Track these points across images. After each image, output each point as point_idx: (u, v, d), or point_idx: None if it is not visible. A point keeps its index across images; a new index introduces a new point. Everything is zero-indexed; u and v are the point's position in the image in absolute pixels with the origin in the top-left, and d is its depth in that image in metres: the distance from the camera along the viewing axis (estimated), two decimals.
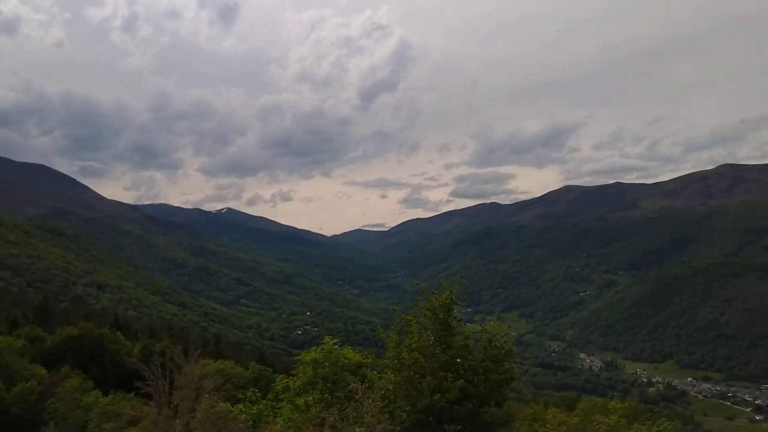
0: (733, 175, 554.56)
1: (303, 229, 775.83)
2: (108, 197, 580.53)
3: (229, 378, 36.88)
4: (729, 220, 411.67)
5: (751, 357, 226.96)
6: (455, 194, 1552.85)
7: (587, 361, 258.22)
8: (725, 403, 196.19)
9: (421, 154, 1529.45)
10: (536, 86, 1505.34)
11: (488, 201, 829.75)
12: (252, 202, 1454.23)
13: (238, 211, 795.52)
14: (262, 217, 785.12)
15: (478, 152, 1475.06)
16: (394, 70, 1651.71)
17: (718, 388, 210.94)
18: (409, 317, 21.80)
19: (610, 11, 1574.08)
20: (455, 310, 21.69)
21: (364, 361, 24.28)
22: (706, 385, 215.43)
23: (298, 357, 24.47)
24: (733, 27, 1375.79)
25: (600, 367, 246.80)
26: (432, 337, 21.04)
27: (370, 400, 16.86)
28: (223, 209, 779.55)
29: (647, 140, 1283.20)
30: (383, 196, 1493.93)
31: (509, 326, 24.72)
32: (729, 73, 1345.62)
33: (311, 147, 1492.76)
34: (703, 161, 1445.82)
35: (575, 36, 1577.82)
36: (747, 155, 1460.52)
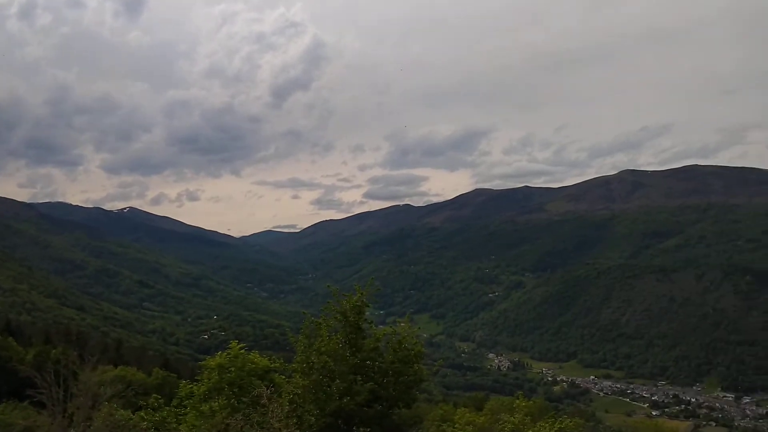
0: (633, 180, 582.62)
1: (210, 230, 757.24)
2: None
3: (130, 384, 35.38)
4: (629, 223, 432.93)
5: (649, 355, 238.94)
6: (369, 196, 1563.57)
7: (496, 361, 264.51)
8: (624, 399, 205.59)
9: (334, 155, 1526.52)
10: (450, 90, 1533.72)
11: (401, 203, 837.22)
12: (157, 201, 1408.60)
13: (141, 210, 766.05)
14: (166, 217, 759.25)
15: (392, 154, 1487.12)
16: (308, 68, 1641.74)
17: (619, 386, 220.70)
18: (319, 320, 21.55)
19: (522, 19, 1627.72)
20: (367, 313, 21.58)
21: (272, 365, 23.73)
22: (607, 383, 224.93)
23: (203, 362, 23.69)
24: (637, 39, 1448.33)
25: (508, 366, 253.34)
26: (342, 340, 20.83)
27: (277, 405, 16.45)
28: (125, 208, 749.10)
29: (554, 146, 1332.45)
30: (295, 197, 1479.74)
31: (419, 327, 24.87)
32: (632, 82, 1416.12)
33: (220, 145, 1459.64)
34: (607, 167, 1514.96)
35: (488, 41, 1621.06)
36: (646, 162, 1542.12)
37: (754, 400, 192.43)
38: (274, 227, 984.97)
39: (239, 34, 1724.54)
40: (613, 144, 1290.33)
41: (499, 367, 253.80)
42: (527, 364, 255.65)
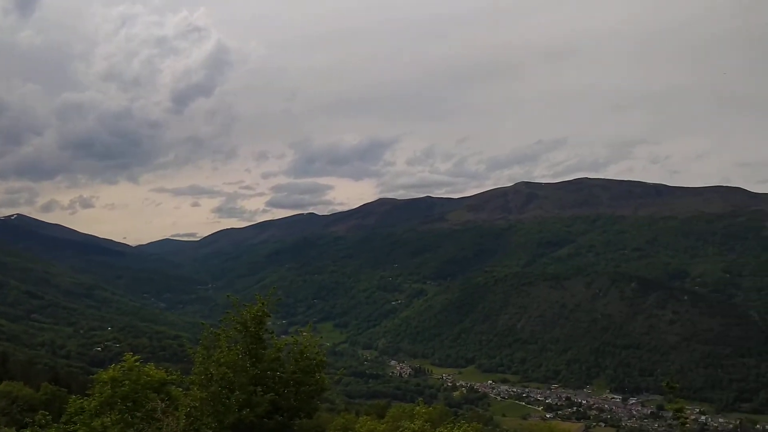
0: (528, 191, 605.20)
1: (105, 238, 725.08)
2: None
3: (15, 401, 33.42)
4: (524, 233, 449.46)
5: (543, 359, 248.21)
6: (272, 204, 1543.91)
7: (398, 368, 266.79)
8: (520, 403, 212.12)
9: (237, 162, 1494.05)
10: (356, 99, 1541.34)
11: (306, 211, 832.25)
12: (47, 208, 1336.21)
13: (30, 217, 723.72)
14: (58, 225, 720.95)
15: (297, 162, 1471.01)
16: (211, 74, 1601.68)
17: (515, 389, 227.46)
18: (218, 331, 21.19)
19: (427, 31, 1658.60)
20: (268, 323, 21.40)
21: (169, 378, 23.01)
22: (504, 387, 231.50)
23: (95, 375, 22.67)
24: (535, 56, 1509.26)
25: (409, 373, 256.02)
26: (242, 351, 20.54)
27: (173, 419, 16.04)
28: (12, 215, 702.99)
29: (456, 157, 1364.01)
30: (195, 205, 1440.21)
31: (322, 337, 24.89)
32: (529, 97, 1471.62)
33: (117, 150, 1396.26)
34: (504, 178, 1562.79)
35: (393, 52, 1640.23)
36: (541, 174, 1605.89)
37: (640, 400, 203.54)
38: (172, 235, 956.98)
39: (139, 37, 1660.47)
40: (510, 156, 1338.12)
41: (400, 374, 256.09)
42: (428, 371, 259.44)
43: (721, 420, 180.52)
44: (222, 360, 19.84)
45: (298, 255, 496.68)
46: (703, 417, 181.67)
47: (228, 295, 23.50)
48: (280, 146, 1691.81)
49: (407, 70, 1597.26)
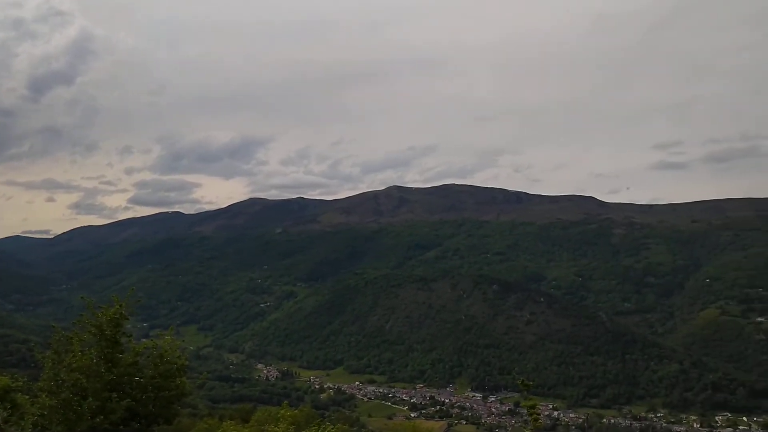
0: (399, 195, 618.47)
1: None
2: None
3: None
4: (395, 236, 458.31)
5: (409, 360, 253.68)
6: (135, 201, 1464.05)
7: (265, 371, 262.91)
8: (386, 403, 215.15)
9: (98, 156, 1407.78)
10: (230, 96, 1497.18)
11: (171, 210, 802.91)
12: None
13: None
14: None
15: (164, 158, 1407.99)
16: (73, 62, 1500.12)
17: (381, 390, 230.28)
18: (71, 334, 20.08)
19: (304, 32, 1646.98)
20: (127, 325, 20.57)
21: (14, 384, 21.54)
22: (371, 388, 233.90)
23: None
24: (409, 64, 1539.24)
25: (276, 376, 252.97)
26: (96, 355, 19.56)
27: (16, 429, 15.01)
28: None
29: (331, 159, 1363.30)
30: (50, 200, 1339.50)
31: (184, 340, 24.23)
32: (403, 104, 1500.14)
33: None
34: (377, 182, 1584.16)
35: (269, 51, 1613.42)
36: (412, 179, 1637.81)
37: (499, 398, 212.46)
38: (23, 232, 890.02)
39: None
40: (384, 161, 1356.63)
41: (267, 377, 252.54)
42: (296, 373, 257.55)
43: (571, 415, 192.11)
44: (74, 365, 18.83)
45: (162, 255, 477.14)
46: (555, 413, 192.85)
47: (82, 297, 22.26)
48: (146, 141, 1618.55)
49: (283, 70, 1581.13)
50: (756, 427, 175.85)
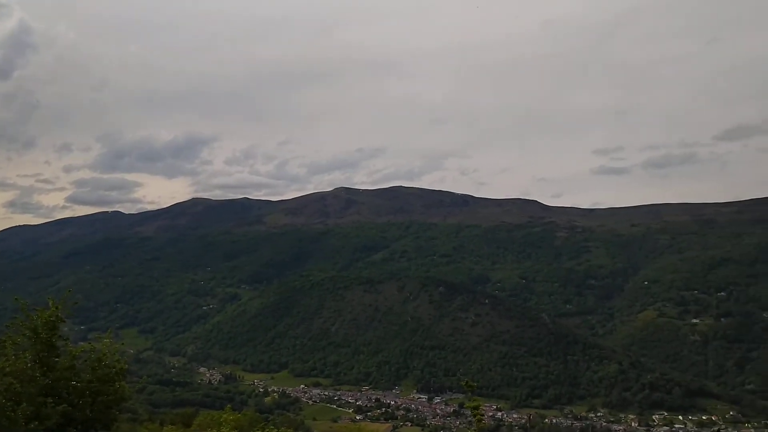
0: (347, 197, 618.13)
1: None
2: None
3: None
4: (342, 237, 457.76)
5: (355, 362, 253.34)
6: (73, 200, 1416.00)
7: (207, 375, 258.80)
8: (332, 406, 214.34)
9: (35, 153, 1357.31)
10: (174, 94, 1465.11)
11: (111, 209, 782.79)
12: None
13: None
14: None
15: (104, 156, 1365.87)
16: (9, 55, 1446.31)
17: (327, 393, 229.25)
18: (4, 338, 19.24)
19: (252, 30, 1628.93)
20: (64, 328, 19.83)
21: None
22: (316, 391, 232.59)
23: None
24: (358, 65, 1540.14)
25: (219, 380, 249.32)
26: (31, 359, 18.78)
27: None
28: None
29: (277, 160, 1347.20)
30: None
31: (123, 343, 23.55)
32: (352, 105, 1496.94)
33: None
34: (324, 183, 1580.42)
35: (216, 48, 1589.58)
36: (360, 181, 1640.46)
37: (444, 399, 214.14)
38: None
39: None
40: (331, 162, 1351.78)
41: (210, 380, 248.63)
42: (239, 377, 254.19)
43: (515, 415, 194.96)
44: (7, 369, 18.01)
45: (100, 256, 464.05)
46: (499, 413, 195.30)
47: (17, 298, 21.31)
48: (86, 138, 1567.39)
49: (229, 68, 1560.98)
50: (691, 425, 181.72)
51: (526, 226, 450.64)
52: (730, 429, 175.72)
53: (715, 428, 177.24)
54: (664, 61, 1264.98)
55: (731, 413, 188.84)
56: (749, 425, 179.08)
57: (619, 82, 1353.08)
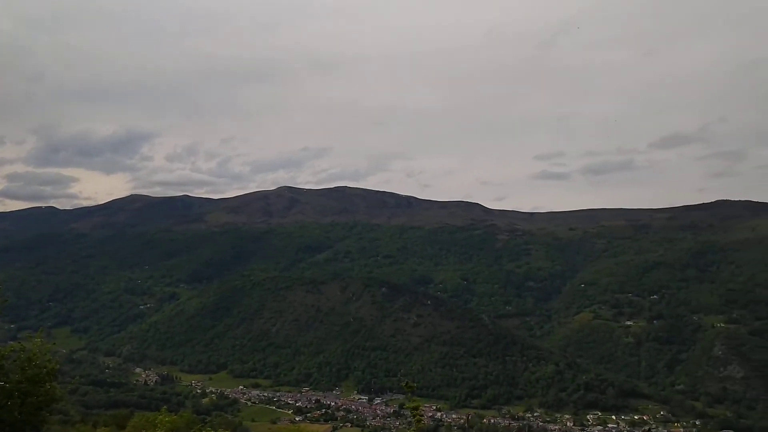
0: (290, 196, 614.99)
1: None
2: None
3: None
4: (285, 237, 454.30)
5: (295, 363, 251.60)
6: (5, 194, 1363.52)
7: (143, 375, 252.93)
8: (271, 407, 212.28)
9: None
10: (114, 87, 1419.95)
11: (45, 204, 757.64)
12: None
13: None
14: None
15: (39, 150, 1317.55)
16: None
17: (266, 394, 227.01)
18: None
19: (198, 25, 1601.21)
20: None
21: None
22: (255, 392, 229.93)
23: None
24: (304, 64, 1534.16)
25: (156, 381, 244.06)
26: None
27: None
28: None
29: (220, 157, 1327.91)
30: None
31: (55, 342, 22.61)
32: (298, 104, 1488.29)
33: None
34: (268, 182, 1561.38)
35: (158, 42, 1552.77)
36: (305, 180, 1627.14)
37: (384, 400, 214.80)
38: None
39: None
40: (276, 161, 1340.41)
41: (146, 381, 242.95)
42: (177, 377, 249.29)
43: (454, 416, 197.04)
44: None
45: (33, 252, 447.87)
46: (439, 413, 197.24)
47: None
48: (20, 131, 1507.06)
49: (172, 63, 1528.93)
50: (624, 424, 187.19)
51: (468, 228, 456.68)
52: (660, 428, 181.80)
53: (646, 428, 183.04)
54: (603, 71, 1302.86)
55: (662, 413, 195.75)
56: (678, 425, 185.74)
57: (561, 90, 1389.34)
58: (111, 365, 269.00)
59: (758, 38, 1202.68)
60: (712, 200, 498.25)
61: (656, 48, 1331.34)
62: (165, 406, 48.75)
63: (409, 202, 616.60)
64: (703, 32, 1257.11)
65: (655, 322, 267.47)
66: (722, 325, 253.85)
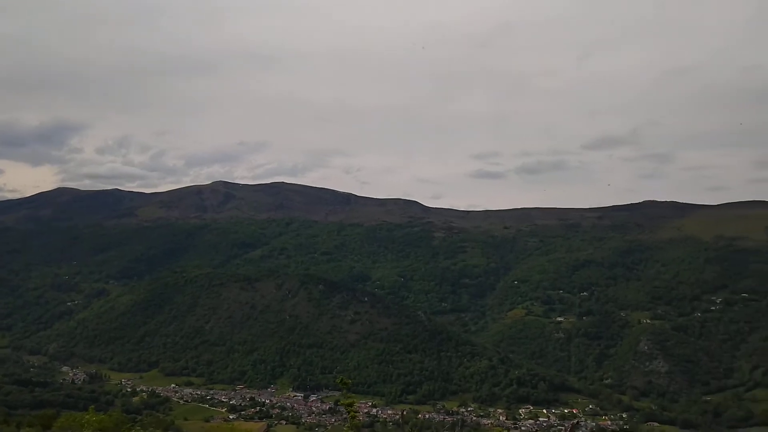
0: (225, 191, 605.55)
1: None
2: None
3: None
4: (219, 233, 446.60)
5: (229, 361, 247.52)
6: None
7: (71, 374, 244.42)
8: (204, 405, 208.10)
9: None
10: (42, 76, 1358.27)
11: None
12: None
13: None
14: None
15: None
16: None
17: (199, 392, 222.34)
18: None
19: (130, 16, 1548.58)
20: None
21: None
22: (188, 390, 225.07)
23: None
24: (240, 58, 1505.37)
25: (84, 380, 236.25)
26: None
27: None
28: None
29: (153, 150, 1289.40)
30: None
31: None
32: (234, 98, 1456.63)
33: None
34: (203, 176, 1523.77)
35: (89, 30, 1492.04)
36: (241, 175, 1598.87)
37: (320, 397, 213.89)
38: None
39: None
40: (211, 155, 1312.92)
41: (73, 380, 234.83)
42: (106, 376, 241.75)
43: (389, 411, 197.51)
44: None
45: None
46: (374, 410, 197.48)
47: None
48: None
49: (106, 53, 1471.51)
50: (554, 418, 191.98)
51: (406, 226, 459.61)
52: (588, 422, 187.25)
53: (575, 421, 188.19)
54: (538, 73, 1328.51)
55: (590, 406, 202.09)
56: (606, 417, 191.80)
57: (498, 90, 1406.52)
58: (36, 364, 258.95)
59: (687, 46, 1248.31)
60: (640, 201, 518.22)
61: (590, 52, 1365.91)
62: (93, 406, 47.13)
63: (348, 199, 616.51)
64: (635, 39, 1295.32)
65: (584, 318, 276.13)
66: (648, 321, 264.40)
